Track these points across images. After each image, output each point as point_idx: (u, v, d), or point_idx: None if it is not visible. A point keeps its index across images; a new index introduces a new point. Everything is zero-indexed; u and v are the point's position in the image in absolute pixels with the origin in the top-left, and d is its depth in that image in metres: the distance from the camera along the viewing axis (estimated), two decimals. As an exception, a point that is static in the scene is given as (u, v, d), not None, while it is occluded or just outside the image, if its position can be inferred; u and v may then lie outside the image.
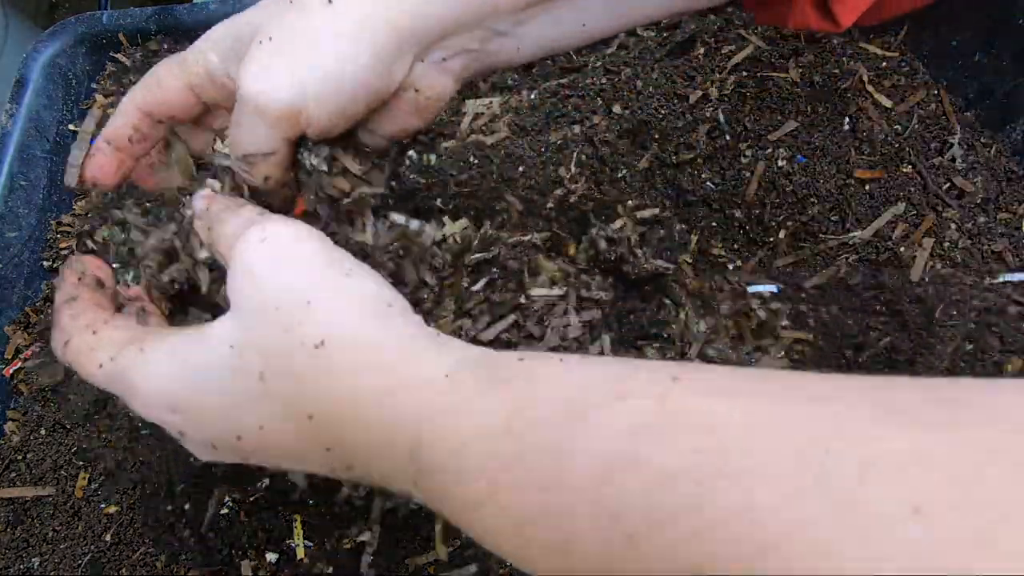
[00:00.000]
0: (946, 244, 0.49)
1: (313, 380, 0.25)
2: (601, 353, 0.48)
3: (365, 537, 0.45)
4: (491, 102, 0.60)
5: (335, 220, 0.36)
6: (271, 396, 0.26)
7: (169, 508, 0.46)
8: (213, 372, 0.27)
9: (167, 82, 0.34)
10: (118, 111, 0.36)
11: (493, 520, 0.22)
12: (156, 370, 0.28)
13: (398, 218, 0.39)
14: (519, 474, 0.21)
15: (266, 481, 0.47)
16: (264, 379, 0.26)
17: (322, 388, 0.25)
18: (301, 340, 0.25)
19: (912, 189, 0.51)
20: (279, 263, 0.27)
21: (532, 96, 0.61)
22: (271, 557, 0.45)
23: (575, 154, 0.55)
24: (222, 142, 0.38)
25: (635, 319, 0.52)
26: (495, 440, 0.22)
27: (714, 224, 0.55)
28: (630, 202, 0.55)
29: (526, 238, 0.55)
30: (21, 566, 0.45)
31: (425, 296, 0.41)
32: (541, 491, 0.21)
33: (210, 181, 0.36)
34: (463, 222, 0.42)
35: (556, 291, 0.50)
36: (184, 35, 0.60)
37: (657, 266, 0.51)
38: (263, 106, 0.30)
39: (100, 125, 0.58)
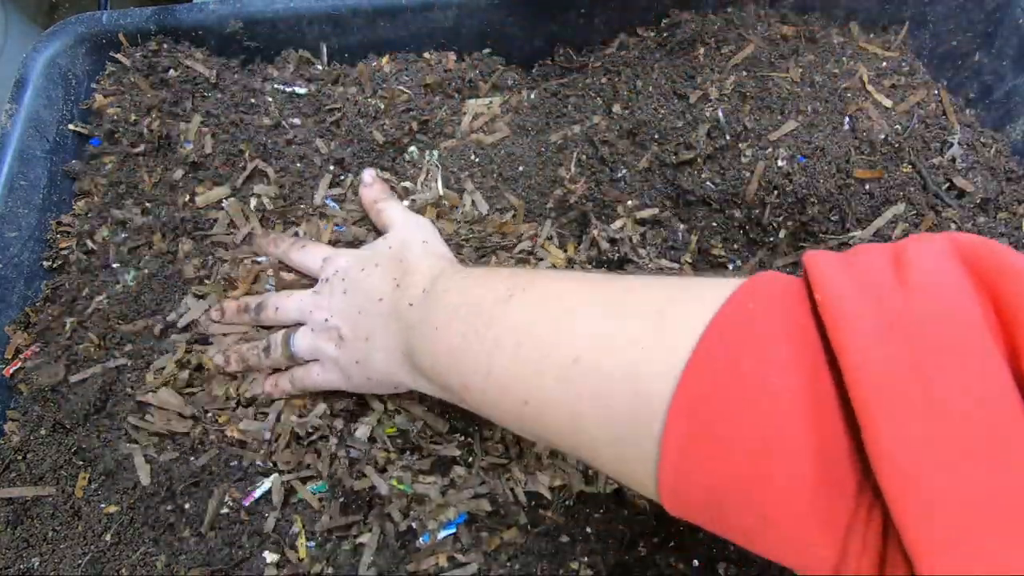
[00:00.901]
0: (946, 244, 0.49)
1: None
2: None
3: (365, 539, 0.45)
4: (491, 102, 0.60)
5: None
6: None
7: (169, 508, 0.46)
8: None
9: None
10: None
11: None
12: None
13: None
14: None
15: (266, 483, 0.47)
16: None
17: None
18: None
19: (912, 189, 0.51)
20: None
21: (532, 96, 0.61)
22: (271, 557, 0.45)
23: (575, 154, 0.55)
24: None
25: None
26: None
27: (714, 224, 0.55)
28: (630, 202, 0.55)
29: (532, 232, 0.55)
30: (21, 566, 0.45)
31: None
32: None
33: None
34: None
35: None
36: (184, 35, 0.60)
37: (661, 266, 0.51)
38: None
39: (100, 124, 0.58)
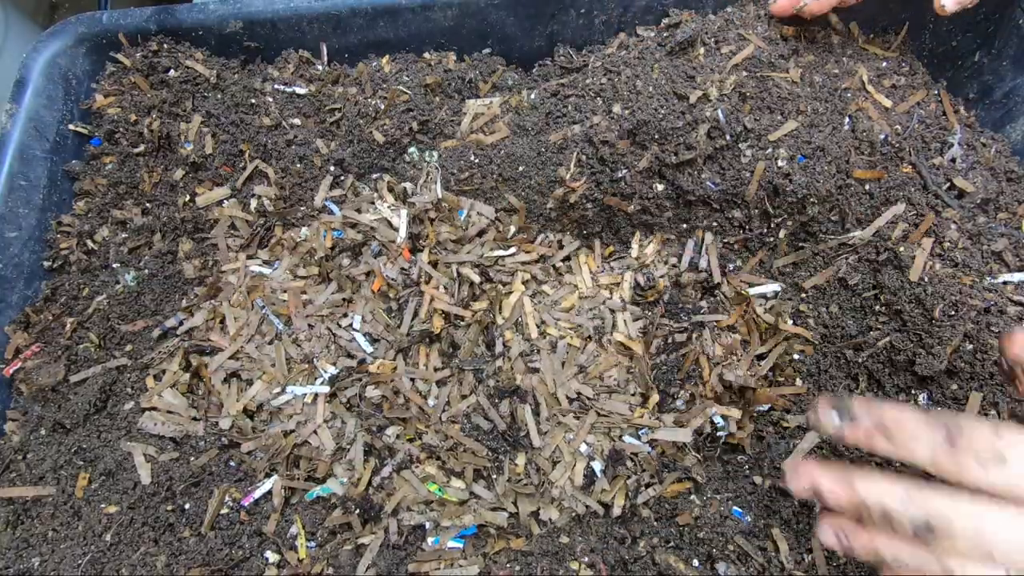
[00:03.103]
0: (946, 244, 0.49)
1: None
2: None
3: (366, 540, 0.45)
4: (491, 102, 0.60)
5: None
6: None
7: (169, 508, 0.46)
8: None
9: None
10: None
11: None
12: None
13: None
14: None
15: (266, 483, 0.47)
16: None
17: None
18: None
19: (912, 189, 0.51)
20: None
21: (532, 96, 0.60)
22: (271, 557, 0.45)
23: (575, 154, 0.55)
24: None
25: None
26: None
27: (714, 224, 0.55)
28: (630, 202, 0.55)
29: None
30: (21, 566, 0.45)
31: None
32: None
33: None
34: None
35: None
36: (184, 35, 0.60)
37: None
38: None
39: (99, 123, 0.58)
